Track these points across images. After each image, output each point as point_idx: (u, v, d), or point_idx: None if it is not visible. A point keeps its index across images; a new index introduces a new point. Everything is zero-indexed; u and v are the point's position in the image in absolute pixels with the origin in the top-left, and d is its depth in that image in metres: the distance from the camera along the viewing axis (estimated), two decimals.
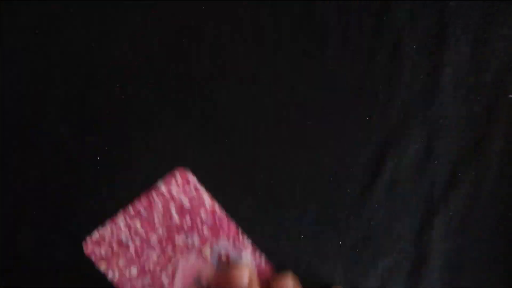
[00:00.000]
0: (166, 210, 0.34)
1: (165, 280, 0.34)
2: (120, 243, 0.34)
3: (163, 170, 0.36)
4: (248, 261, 0.35)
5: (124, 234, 0.34)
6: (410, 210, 0.38)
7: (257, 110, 0.37)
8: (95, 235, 0.34)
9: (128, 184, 0.36)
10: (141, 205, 0.34)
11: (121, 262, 0.34)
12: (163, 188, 0.34)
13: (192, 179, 0.35)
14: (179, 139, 0.37)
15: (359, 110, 0.37)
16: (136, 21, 0.35)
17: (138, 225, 0.34)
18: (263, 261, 0.35)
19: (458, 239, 0.38)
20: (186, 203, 0.34)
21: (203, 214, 0.34)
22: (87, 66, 0.35)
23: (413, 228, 0.38)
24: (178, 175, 0.35)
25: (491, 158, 0.38)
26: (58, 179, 0.36)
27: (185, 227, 0.34)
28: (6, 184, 0.35)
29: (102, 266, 0.34)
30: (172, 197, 0.34)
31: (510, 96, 0.38)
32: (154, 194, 0.35)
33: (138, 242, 0.34)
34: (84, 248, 0.35)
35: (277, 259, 0.37)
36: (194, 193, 0.34)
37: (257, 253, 0.35)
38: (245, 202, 0.37)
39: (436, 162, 0.38)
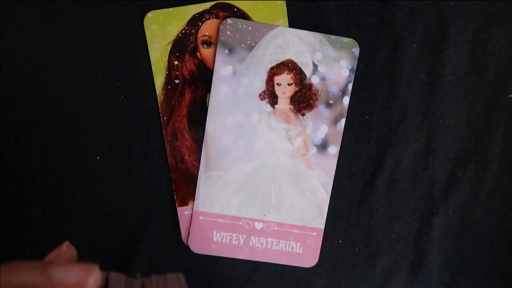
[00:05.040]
0: None
1: None
2: None
3: (163, 170, 0.36)
4: None
5: None
6: (410, 210, 0.38)
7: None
8: None
9: (128, 184, 0.36)
10: None
11: None
12: None
13: None
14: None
15: (359, 110, 0.37)
16: (136, 21, 0.35)
17: None
18: None
19: (458, 239, 0.39)
20: None
21: None
22: (87, 66, 0.36)
23: (413, 228, 0.38)
24: None
25: (491, 158, 0.38)
26: (58, 179, 0.36)
27: None
28: (6, 184, 0.36)
29: None
30: None
31: (510, 96, 0.38)
32: None
33: None
34: None
35: None
36: None
37: None
38: None
39: (436, 162, 0.38)
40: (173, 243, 0.37)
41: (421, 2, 0.37)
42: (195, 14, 0.36)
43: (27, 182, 0.36)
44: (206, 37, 0.36)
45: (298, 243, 0.37)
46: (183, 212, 0.37)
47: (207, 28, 0.36)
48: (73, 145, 0.36)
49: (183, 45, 0.36)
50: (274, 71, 0.36)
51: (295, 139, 0.37)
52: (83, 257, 0.36)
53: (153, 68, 0.36)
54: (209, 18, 0.36)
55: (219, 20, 0.36)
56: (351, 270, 0.38)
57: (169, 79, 0.36)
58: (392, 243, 0.38)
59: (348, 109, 0.37)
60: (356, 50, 0.36)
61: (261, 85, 0.36)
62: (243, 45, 0.36)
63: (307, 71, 0.36)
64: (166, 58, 0.36)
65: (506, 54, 0.37)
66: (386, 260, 0.38)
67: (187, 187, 0.37)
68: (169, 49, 0.36)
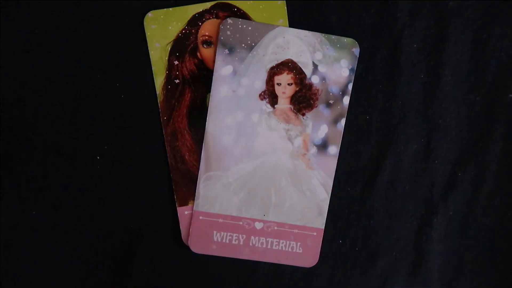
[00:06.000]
0: None
1: None
2: None
3: (163, 170, 0.36)
4: None
5: None
6: (410, 210, 0.38)
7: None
8: None
9: (128, 184, 0.36)
10: None
11: None
12: None
13: None
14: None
15: (359, 110, 0.37)
16: (136, 21, 0.35)
17: None
18: None
19: (458, 239, 0.39)
20: None
21: None
22: (87, 66, 0.36)
23: (413, 228, 0.38)
24: None
25: (491, 158, 0.38)
26: (58, 179, 0.36)
27: None
28: (6, 184, 0.36)
29: None
30: None
31: (510, 96, 0.38)
32: None
33: None
34: None
35: None
36: None
37: None
38: None
39: (436, 162, 0.38)
40: (173, 243, 0.37)
41: (421, 2, 0.37)
42: (195, 14, 0.36)
43: (27, 182, 0.36)
44: (206, 37, 0.36)
45: (298, 243, 0.37)
46: (183, 212, 0.37)
47: (207, 28, 0.36)
48: (73, 145, 0.36)
49: (183, 45, 0.36)
50: (274, 71, 0.36)
51: (295, 139, 0.37)
52: (83, 256, 0.36)
53: (153, 68, 0.36)
54: (209, 18, 0.36)
55: (219, 20, 0.36)
56: (351, 270, 0.38)
57: (169, 79, 0.36)
58: (392, 243, 0.38)
59: (348, 109, 0.37)
60: (356, 50, 0.36)
61: (261, 85, 0.36)
62: (243, 45, 0.36)
63: (307, 71, 0.36)
64: (166, 58, 0.36)
65: (506, 54, 0.37)
66: (386, 260, 0.38)
67: (187, 187, 0.37)
68: (169, 49, 0.36)
